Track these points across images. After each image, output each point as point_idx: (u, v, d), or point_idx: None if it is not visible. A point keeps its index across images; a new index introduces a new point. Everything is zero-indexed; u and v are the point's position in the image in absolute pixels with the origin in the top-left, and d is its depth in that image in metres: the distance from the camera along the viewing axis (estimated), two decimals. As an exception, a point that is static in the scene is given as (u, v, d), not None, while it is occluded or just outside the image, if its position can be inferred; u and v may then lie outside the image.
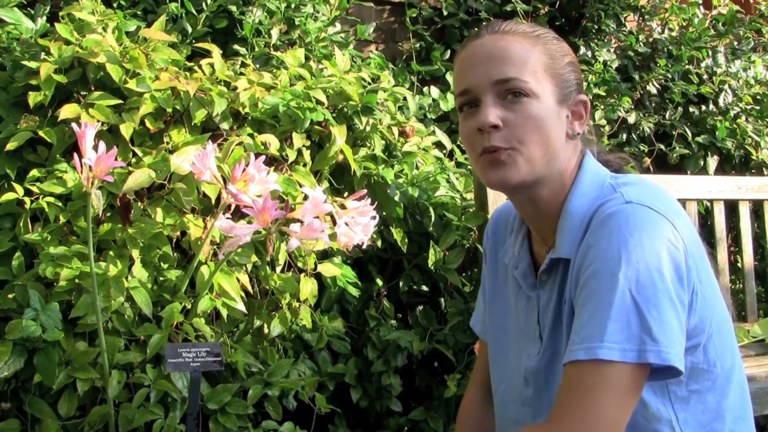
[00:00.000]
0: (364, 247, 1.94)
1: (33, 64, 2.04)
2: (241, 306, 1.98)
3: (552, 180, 1.33)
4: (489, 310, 1.55)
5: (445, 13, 3.41)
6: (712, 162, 3.42)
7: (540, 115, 1.28)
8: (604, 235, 1.20)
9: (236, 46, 2.62)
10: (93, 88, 2.09)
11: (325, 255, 2.22)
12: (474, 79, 1.31)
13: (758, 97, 3.63)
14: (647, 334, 1.14)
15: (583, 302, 1.20)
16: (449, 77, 3.18)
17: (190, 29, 2.56)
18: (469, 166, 2.67)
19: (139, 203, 1.99)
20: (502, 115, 1.28)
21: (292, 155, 2.14)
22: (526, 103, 1.28)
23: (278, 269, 2.11)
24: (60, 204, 1.94)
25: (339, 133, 2.19)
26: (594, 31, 3.62)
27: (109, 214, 1.97)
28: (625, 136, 3.35)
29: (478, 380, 1.64)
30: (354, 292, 2.22)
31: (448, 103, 3.05)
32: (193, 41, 2.52)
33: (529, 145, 1.28)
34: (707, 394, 1.28)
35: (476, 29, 1.38)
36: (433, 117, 3.01)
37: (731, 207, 2.93)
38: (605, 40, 3.60)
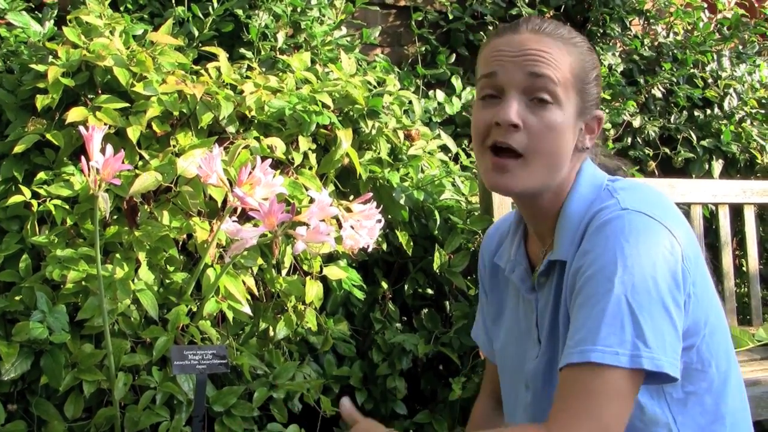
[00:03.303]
0: (369, 250, 1.94)
1: (41, 68, 2.05)
2: (246, 309, 1.98)
3: (553, 188, 1.33)
4: (496, 323, 1.54)
5: (451, 17, 3.41)
6: (717, 166, 3.41)
7: (560, 125, 1.27)
8: (600, 242, 1.20)
9: (242, 50, 2.62)
10: (100, 92, 2.10)
11: (330, 258, 2.22)
12: (506, 68, 1.28)
13: (763, 100, 3.62)
14: (641, 339, 1.14)
15: (578, 307, 1.20)
16: (455, 81, 3.18)
17: (196, 33, 2.57)
18: (474, 170, 2.67)
19: (146, 206, 1.99)
20: (524, 116, 1.26)
21: (298, 158, 2.14)
22: (549, 110, 1.27)
23: (284, 272, 2.11)
24: (67, 207, 1.95)
25: (345, 137, 2.19)
26: (599, 35, 3.62)
27: (115, 217, 1.98)
28: (630, 139, 3.35)
29: (487, 390, 1.64)
30: (359, 295, 2.22)
31: (454, 106, 3.05)
32: (200, 45, 2.53)
33: (540, 155, 1.27)
34: (705, 396, 1.28)
35: (506, 24, 1.35)
36: (439, 120, 3.01)
37: (736, 211, 2.92)
38: (610, 44, 3.60)
